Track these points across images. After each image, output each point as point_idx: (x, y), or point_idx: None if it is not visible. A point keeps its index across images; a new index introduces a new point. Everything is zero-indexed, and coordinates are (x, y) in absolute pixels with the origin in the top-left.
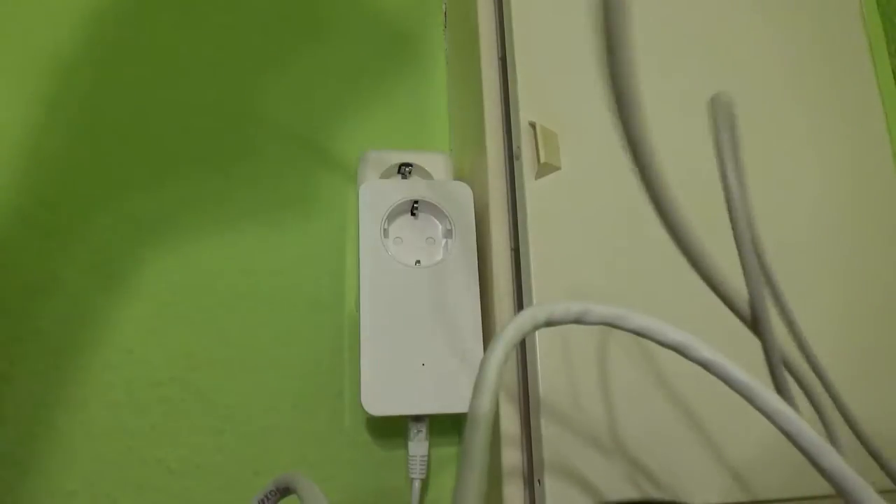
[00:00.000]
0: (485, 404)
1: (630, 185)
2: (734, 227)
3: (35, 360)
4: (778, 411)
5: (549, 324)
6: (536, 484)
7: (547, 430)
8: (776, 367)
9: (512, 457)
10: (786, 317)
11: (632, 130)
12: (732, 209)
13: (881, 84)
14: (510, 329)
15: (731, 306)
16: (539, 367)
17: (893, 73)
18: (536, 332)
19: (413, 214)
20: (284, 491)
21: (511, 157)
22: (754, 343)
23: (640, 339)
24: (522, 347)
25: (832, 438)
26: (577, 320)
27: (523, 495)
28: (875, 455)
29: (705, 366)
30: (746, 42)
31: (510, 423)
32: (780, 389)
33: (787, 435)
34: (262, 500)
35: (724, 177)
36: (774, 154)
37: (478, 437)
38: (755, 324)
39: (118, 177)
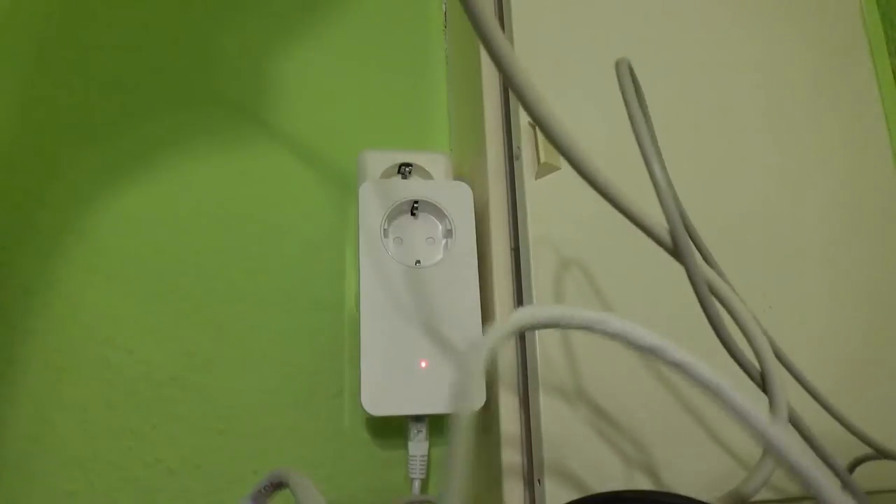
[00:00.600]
0: (465, 410)
1: (630, 185)
2: (648, 168)
3: (34, 360)
4: (747, 412)
5: (531, 328)
6: (536, 484)
7: (547, 430)
8: (700, 289)
9: (512, 457)
10: (700, 248)
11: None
12: (645, 151)
13: (881, 84)
14: (490, 336)
15: (654, 237)
16: (539, 366)
17: (893, 73)
18: (537, 332)
19: (413, 214)
20: (278, 485)
21: (511, 157)
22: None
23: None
24: (523, 347)
25: (762, 362)
26: (556, 325)
27: (523, 495)
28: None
29: (679, 367)
30: (746, 42)
31: (510, 423)
32: (707, 311)
33: (760, 435)
34: (257, 495)
35: (633, 125)
36: (774, 154)
37: (461, 439)
38: (676, 250)
39: (117, 177)
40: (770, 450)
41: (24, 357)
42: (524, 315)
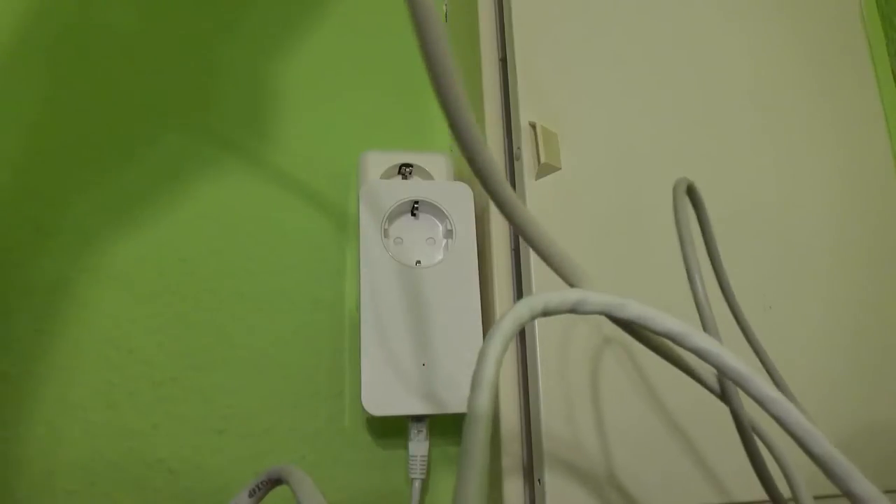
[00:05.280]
0: (484, 397)
1: (630, 185)
2: (697, 306)
3: (36, 360)
4: (770, 398)
5: (546, 313)
6: (537, 483)
7: (547, 430)
8: (746, 431)
9: (512, 456)
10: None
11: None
12: (696, 293)
13: (881, 84)
14: (507, 320)
15: (701, 382)
16: (539, 367)
17: (893, 73)
18: (537, 334)
19: (413, 215)
20: (276, 482)
21: (511, 157)
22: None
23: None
24: (523, 347)
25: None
26: (574, 309)
27: (524, 495)
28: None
29: (699, 353)
30: (746, 43)
31: (510, 423)
32: (749, 449)
33: (779, 421)
34: (253, 490)
35: (688, 268)
36: (774, 154)
37: (478, 432)
38: (723, 394)
39: (118, 177)
40: (795, 436)
41: (27, 357)
42: (539, 301)
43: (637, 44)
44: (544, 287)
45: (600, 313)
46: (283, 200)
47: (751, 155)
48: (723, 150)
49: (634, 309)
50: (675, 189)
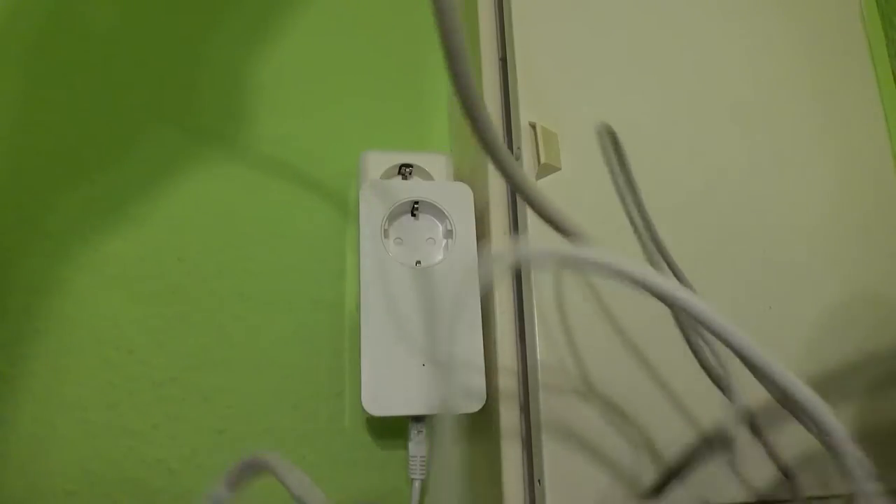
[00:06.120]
0: None
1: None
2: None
3: (35, 360)
4: (773, 370)
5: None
6: (536, 484)
7: (547, 430)
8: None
9: (512, 457)
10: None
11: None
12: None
13: (881, 84)
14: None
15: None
16: (539, 367)
17: (893, 73)
18: (537, 333)
19: (413, 215)
20: (255, 470)
21: None
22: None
23: (642, 336)
24: (523, 347)
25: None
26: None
27: (523, 495)
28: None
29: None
30: (746, 43)
31: (510, 423)
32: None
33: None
34: (232, 481)
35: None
36: (774, 155)
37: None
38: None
39: (117, 177)
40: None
41: (26, 357)
42: (541, 250)
43: (637, 44)
44: (544, 286)
45: (558, 265)
46: (283, 200)
47: (751, 155)
48: (723, 150)
49: (592, 253)
50: (598, 134)
